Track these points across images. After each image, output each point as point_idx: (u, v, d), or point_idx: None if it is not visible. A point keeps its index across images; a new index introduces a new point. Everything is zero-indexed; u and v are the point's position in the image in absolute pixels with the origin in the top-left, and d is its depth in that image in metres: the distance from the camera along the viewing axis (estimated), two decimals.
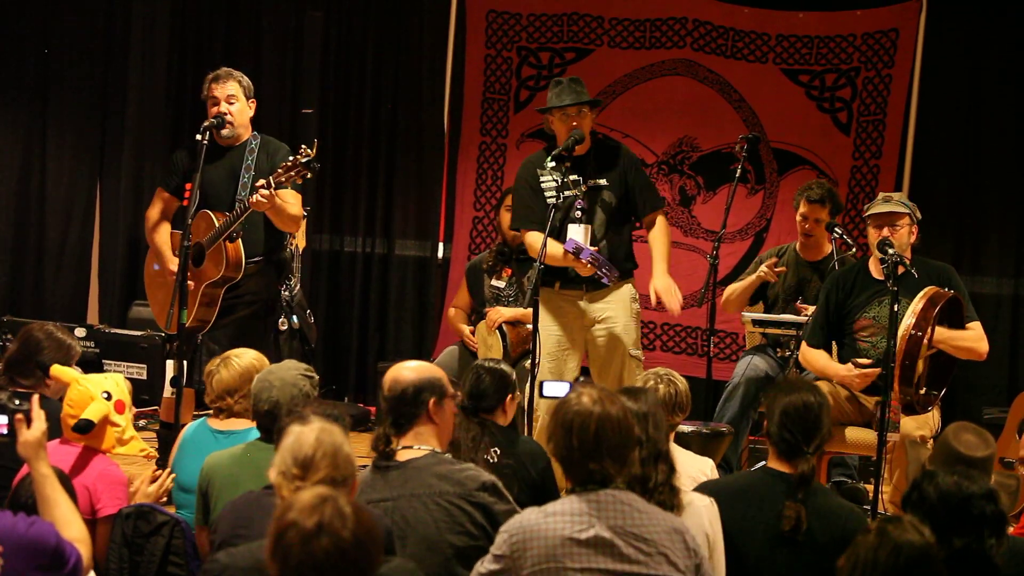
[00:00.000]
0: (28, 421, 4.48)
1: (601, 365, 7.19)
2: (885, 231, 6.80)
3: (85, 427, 5.14)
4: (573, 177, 7.11)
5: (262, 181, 6.91)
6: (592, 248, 6.85)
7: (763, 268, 8.10)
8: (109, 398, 5.25)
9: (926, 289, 6.52)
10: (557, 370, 7.09)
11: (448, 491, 4.66)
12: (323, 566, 3.13)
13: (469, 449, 5.33)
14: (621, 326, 7.19)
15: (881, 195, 7.06)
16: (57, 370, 5.50)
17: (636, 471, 4.30)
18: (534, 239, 6.95)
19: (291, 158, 6.92)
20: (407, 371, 4.86)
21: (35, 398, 4.69)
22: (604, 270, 6.81)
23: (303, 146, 6.86)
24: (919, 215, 7.00)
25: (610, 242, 7.16)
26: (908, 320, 6.37)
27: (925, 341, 6.41)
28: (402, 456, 4.75)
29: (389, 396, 4.83)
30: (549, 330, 7.12)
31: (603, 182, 7.17)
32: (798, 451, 4.70)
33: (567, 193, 7.03)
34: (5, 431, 4.54)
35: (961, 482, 4.08)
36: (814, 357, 7.07)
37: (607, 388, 4.30)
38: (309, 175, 6.90)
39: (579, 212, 7.08)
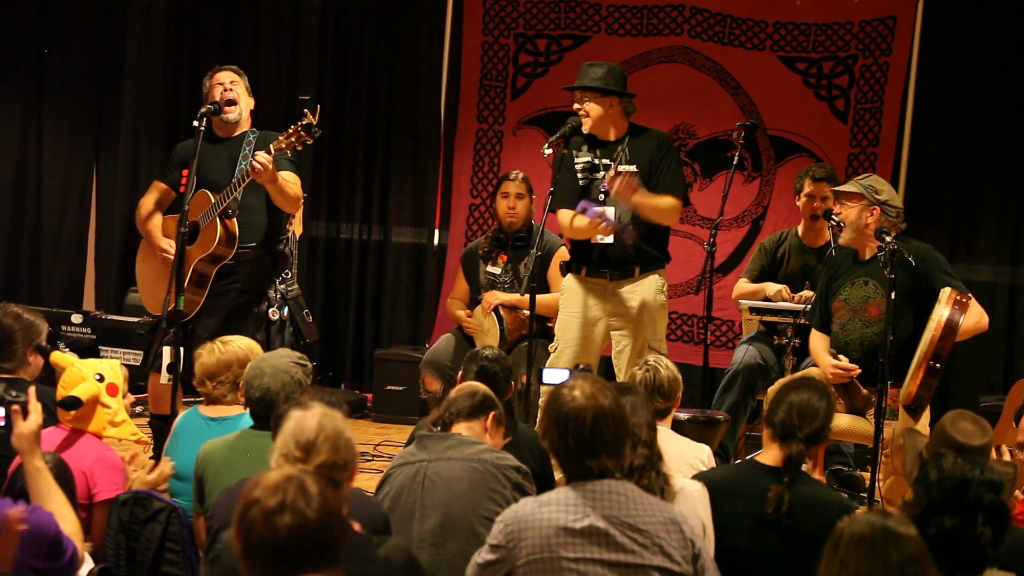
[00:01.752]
0: (24, 413, 4.47)
1: (624, 356, 7.20)
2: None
3: (71, 403, 5.14)
4: (605, 161, 7.14)
5: (260, 153, 6.93)
6: (598, 208, 6.91)
7: (783, 295, 8.06)
8: (102, 380, 5.25)
9: (947, 295, 6.50)
10: (576, 358, 7.11)
11: (486, 460, 4.80)
12: (284, 544, 3.13)
13: None
14: (645, 316, 7.19)
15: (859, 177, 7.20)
16: (56, 356, 5.50)
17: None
18: (564, 217, 7.11)
19: (292, 125, 6.92)
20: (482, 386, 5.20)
21: (32, 389, 4.67)
22: (622, 230, 6.89)
23: (305, 110, 6.86)
24: (876, 199, 6.99)
25: (639, 230, 7.16)
26: (932, 333, 6.39)
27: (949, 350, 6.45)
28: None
29: (459, 394, 5.09)
30: (571, 316, 7.17)
31: (632, 168, 7.16)
32: (792, 435, 4.72)
33: (595, 176, 7.09)
34: (2, 423, 4.53)
35: (964, 466, 4.08)
36: (813, 343, 7.19)
37: (598, 378, 4.27)
38: (310, 141, 6.89)
39: (602, 195, 7.11)
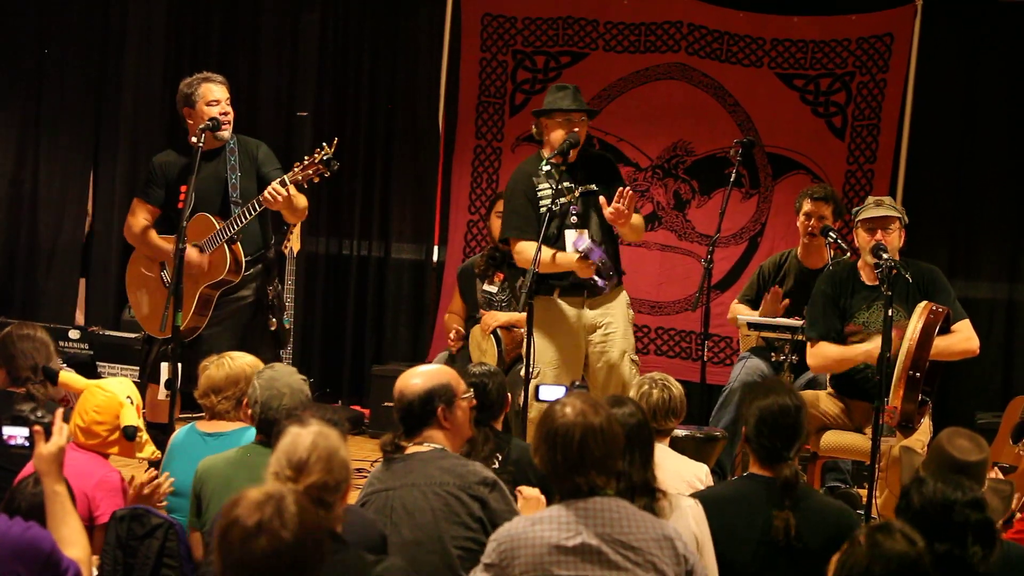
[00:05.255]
0: (48, 434, 4.46)
1: (606, 371, 7.20)
2: (878, 235, 6.80)
3: (134, 434, 5.18)
4: (566, 184, 7.11)
5: (275, 184, 6.91)
6: (600, 250, 6.90)
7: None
8: (132, 402, 5.28)
9: (922, 307, 6.50)
10: (559, 379, 7.10)
11: (448, 482, 4.73)
12: (259, 565, 3.14)
13: (485, 461, 5.31)
14: (620, 332, 7.23)
15: (871, 199, 7.07)
16: (65, 377, 5.51)
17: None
18: (527, 248, 6.96)
19: (308, 157, 6.92)
20: (415, 379, 4.96)
21: (59, 412, 4.68)
22: (606, 275, 6.85)
23: (324, 143, 6.86)
24: (907, 219, 7.03)
25: (606, 248, 7.17)
26: (909, 343, 6.37)
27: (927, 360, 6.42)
28: (409, 451, 4.86)
29: (398, 407, 4.95)
30: (550, 339, 7.14)
31: (594, 187, 7.18)
32: (778, 456, 4.70)
33: (561, 200, 7.02)
34: (26, 443, 4.52)
35: (946, 489, 4.09)
36: (826, 351, 6.95)
37: (592, 396, 4.28)
38: (327, 174, 6.90)
39: (574, 218, 7.11)
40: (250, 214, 7.10)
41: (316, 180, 6.99)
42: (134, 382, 5.66)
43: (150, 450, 5.42)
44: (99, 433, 5.22)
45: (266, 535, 3.14)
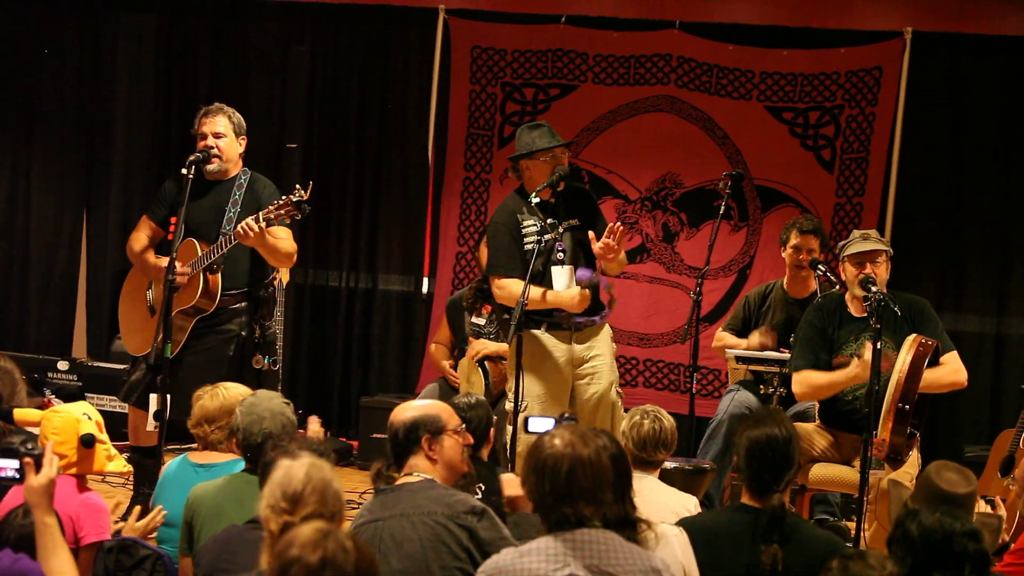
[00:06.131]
0: (38, 466, 4.45)
1: (594, 404, 7.19)
2: (867, 268, 6.81)
3: (90, 440, 5.16)
4: (550, 220, 7.11)
5: (248, 219, 6.91)
6: (588, 273, 6.91)
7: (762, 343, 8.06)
8: (90, 419, 5.27)
9: (912, 339, 6.51)
10: (546, 412, 7.07)
11: (436, 511, 4.71)
12: None
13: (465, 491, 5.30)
14: (607, 365, 7.23)
15: (857, 233, 7.07)
16: (20, 414, 5.49)
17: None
18: (510, 285, 6.96)
19: (283, 197, 6.92)
20: (408, 411, 4.97)
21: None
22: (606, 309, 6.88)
23: (298, 186, 6.86)
24: (891, 252, 7.05)
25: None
26: (898, 375, 6.38)
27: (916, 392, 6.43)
28: (399, 482, 4.85)
29: (387, 436, 4.96)
30: (537, 373, 7.12)
31: (576, 222, 7.18)
32: (767, 488, 4.71)
33: (547, 237, 7.01)
34: (16, 475, 4.52)
35: (944, 520, 4.11)
36: (812, 378, 6.93)
37: (581, 428, 4.28)
38: (299, 216, 6.89)
39: (560, 254, 7.10)
40: (226, 245, 7.10)
41: (288, 221, 6.99)
42: (118, 413, 5.63)
43: (120, 464, 5.39)
44: (64, 453, 5.20)
45: (331, 569, 3.14)
